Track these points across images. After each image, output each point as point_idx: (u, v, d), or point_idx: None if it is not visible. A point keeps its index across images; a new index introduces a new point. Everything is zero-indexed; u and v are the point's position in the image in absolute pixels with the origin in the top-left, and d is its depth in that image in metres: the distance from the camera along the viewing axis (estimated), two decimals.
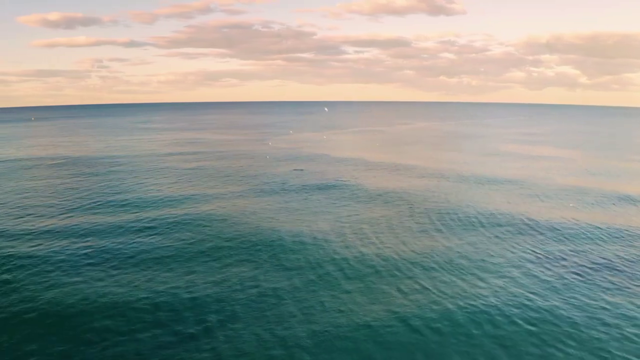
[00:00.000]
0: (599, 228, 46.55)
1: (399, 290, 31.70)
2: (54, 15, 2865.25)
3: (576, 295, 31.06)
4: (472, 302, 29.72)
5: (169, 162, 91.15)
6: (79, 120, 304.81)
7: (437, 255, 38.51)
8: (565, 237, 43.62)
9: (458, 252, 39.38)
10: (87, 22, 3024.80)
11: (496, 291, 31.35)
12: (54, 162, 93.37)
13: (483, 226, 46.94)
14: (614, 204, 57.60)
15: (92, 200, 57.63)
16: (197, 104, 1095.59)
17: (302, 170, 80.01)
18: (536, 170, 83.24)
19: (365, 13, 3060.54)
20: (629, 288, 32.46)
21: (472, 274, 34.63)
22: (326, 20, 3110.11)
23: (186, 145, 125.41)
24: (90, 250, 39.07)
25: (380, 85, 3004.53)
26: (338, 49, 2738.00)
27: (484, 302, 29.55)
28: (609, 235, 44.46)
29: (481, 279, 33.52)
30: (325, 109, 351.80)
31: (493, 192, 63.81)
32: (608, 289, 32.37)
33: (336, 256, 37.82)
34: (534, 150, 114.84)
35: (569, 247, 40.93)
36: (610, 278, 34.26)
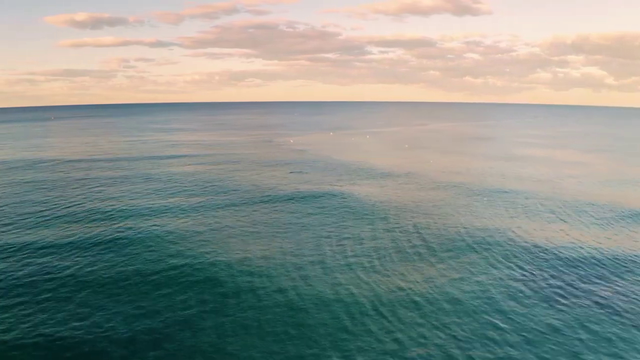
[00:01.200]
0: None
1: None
2: (80, 16, 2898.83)
3: None
4: None
5: (162, 167, 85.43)
6: (97, 120, 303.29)
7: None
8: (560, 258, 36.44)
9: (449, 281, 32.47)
10: (113, 22, 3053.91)
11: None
12: (37, 164, 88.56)
13: (475, 250, 39.85)
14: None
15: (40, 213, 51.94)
16: (222, 103, 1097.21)
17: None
18: (546, 179, 75.73)
19: (390, 13, 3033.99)
20: None
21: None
22: (351, 21, 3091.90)
23: (190, 146, 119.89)
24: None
25: (405, 86, 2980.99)
26: (362, 49, 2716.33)
27: None
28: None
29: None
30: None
31: (488, 206, 56.42)
32: None
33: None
34: (552, 154, 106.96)
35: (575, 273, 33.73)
36: None
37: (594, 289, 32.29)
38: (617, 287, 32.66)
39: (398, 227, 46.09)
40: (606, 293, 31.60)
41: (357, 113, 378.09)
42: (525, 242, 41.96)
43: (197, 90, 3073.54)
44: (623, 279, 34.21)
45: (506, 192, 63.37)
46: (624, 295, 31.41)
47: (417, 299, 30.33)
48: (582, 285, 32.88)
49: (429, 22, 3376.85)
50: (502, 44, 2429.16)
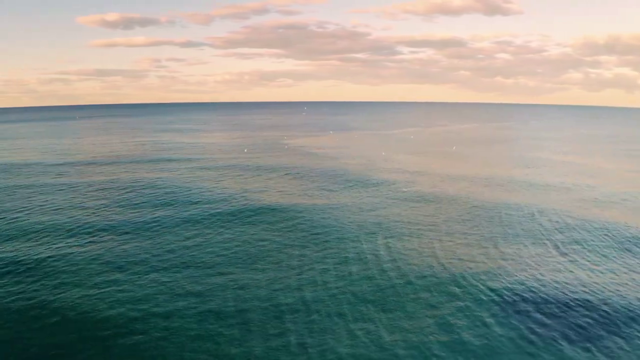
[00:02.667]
0: None
1: None
2: (112, 16, 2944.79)
3: None
4: None
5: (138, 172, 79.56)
6: (120, 119, 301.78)
7: None
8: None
9: None
10: (144, 22, 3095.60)
11: None
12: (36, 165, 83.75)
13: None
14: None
15: None
16: (251, 103, 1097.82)
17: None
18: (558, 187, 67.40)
19: (420, 13, 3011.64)
20: None
21: None
22: (380, 21, 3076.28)
23: (186, 149, 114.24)
24: None
25: (435, 86, 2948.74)
26: (392, 49, 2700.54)
27: None
28: None
29: None
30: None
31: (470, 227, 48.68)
32: None
33: None
34: (573, 159, 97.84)
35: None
36: None
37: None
38: None
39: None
40: None
41: (377, 114, 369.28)
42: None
43: (228, 90, 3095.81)
44: None
45: (510, 205, 55.71)
46: None
47: None
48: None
49: (459, 22, 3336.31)
50: (533, 44, 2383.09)
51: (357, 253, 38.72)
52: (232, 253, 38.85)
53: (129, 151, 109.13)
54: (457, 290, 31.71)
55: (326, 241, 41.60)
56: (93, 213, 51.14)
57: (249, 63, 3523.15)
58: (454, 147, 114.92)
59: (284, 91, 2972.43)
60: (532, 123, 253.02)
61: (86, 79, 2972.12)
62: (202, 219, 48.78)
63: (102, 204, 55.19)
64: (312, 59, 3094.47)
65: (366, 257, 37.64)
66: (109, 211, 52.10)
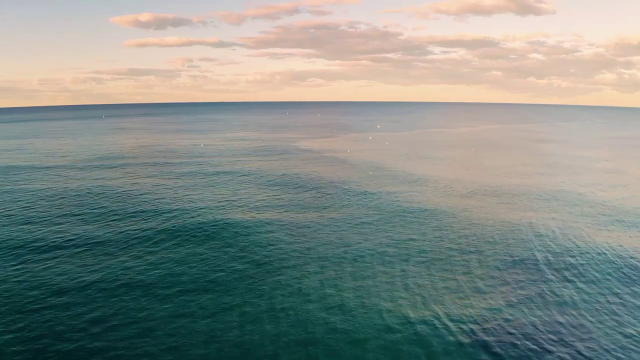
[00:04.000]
0: None
1: None
2: (145, 16, 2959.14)
3: None
4: None
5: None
6: (146, 118, 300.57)
7: None
8: None
9: None
10: (177, 22, 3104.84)
11: None
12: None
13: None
14: None
15: None
16: (284, 103, 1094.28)
17: None
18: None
19: (452, 13, 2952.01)
20: None
21: None
22: (412, 21, 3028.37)
23: (184, 154, 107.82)
24: None
25: (468, 87, 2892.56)
26: (424, 50, 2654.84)
27: None
28: None
29: None
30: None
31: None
32: None
33: None
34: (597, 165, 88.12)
35: None
36: None
37: None
38: None
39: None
40: None
41: (399, 114, 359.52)
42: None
43: (260, 89, 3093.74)
44: None
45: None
46: None
47: None
48: None
49: (491, 22, 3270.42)
50: (566, 44, 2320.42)
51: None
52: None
53: (125, 151, 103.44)
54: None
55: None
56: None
57: (281, 63, 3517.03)
58: (473, 149, 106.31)
59: (315, 91, 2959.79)
60: (560, 124, 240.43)
61: (119, 78, 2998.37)
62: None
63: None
64: (343, 59, 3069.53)
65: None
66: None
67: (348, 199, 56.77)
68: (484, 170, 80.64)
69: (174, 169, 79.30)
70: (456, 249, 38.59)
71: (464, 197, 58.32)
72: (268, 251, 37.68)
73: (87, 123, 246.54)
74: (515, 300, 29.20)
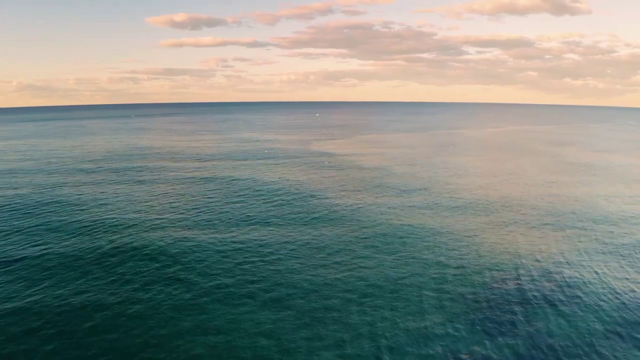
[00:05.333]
0: None
1: None
2: (180, 17, 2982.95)
3: None
4: None
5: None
6: (175, 118, 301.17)
7: None
8: None
9: None
10: (211, 22, 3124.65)
11: None
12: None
13: None
14: None
15: None
16: (318, 103, 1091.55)
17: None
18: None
19: (486, 13, 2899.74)
20: None
21: None
22: (446, 21, 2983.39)
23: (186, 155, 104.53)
24: None
25: (502, 87, 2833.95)
26: (458, 49, 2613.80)
27: None
28: None
29: None
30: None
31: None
32: None
33: None
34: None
35: None
36: None
37: None
38: None
39: None
40: None
41: (423, 115, 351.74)
42: None
43: (294, 89, 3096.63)
44: None
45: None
46: None
47: None
48: None
49: (526, 22, 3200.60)
50: (602, 44, 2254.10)
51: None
52: None
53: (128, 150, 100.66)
54: None
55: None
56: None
57: (315, 63, 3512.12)
58: (489, 153, 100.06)
59: (349, 91, 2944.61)
60: (590, 126, 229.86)
61: (155, 78, 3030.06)
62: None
63: None
64: (377, 59, 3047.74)
65: None
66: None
67: (319, 209, 52.22)
68: (482, 176, 74.98)
69: (146, 175, 76.06)
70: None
71: (444, 211, 53.04)
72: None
73: (106, 122, 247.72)
74: None
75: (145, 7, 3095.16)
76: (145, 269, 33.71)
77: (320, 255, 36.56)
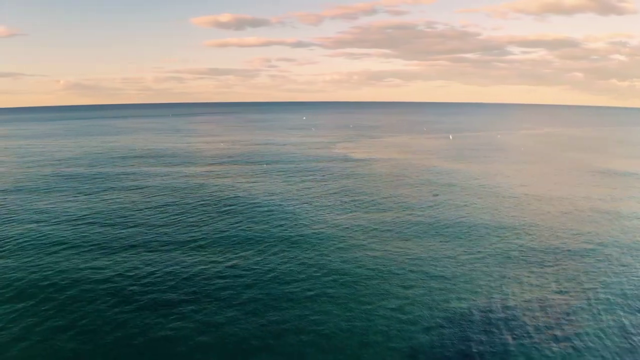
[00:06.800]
0: None
1: None
2: (225, 17, 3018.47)
3: None
4: None
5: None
6: (213, 117, 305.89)
7: None
8: None
9: None
10: (256, 23, 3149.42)
11: None
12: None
13: None
14: None
15: None
16: (361, 103, 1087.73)
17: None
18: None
19: (532, 12, 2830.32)
20: None
21: None
22: (491, 20, 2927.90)
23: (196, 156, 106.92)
24: None
25: (547, 88, 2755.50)
26: (503, 50, 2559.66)
27: None
28: None
29: None
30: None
31: None
32: None
33: None
34: None
35: None
36: None
37: None
38: None
39: None
40: None
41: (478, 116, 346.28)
42: None
43: (337, 89, 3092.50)
44: None
45: None
46: None
47: None
48: None
49: (572, 22, 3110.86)
50: None
51: None
52: None
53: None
54: None
55: None
56: None
57: (358, 63, 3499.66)
58: (513, 156, 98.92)
59: (392, 91, 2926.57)
60: (626, 129, 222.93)
61: (200, 77, 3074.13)
62: None
63: None
64: (420, 59, 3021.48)
65: None
66: None
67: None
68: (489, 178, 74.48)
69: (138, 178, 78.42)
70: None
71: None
72: None
73: (136, 122, 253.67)
74: None
75: (191, 8, 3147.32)
76: None
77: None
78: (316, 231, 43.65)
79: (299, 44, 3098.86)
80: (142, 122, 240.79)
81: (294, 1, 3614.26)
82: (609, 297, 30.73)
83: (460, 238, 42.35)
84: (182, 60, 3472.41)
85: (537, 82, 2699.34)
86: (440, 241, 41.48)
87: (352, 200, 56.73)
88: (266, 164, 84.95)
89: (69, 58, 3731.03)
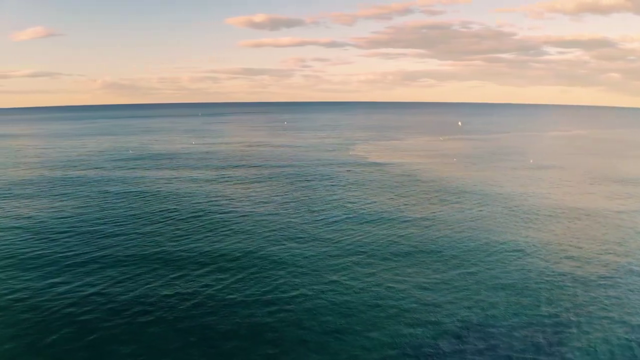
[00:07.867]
0: None
1: None
2: (259, 17, 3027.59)
3: None
4: None
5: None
6: (241, 117, 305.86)
7: None
8: None
9: None
10: (290, 23, 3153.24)
11: None
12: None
13: None
14: None
15: None
16: (395, 103, 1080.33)
17: None
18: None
19: (568, 12, 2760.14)
20: None
21: None
22: (527, 20, 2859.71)
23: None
24: None
25: (583, 89, 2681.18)
26: (539, 50, 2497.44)
27: None
28: None
29: None
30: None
31: None
32: None
33: None
34: None
35: None
36: None
37: None
38: None
39: None
40: None
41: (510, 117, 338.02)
42: None
43: (371, 89, 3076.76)
44: None
45: None
46: None
47: None
48: None
49: (609, 22, 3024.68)
50: None
51: None
52: None
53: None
54: None
55: None
56: None
57: (392, 63, 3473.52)
58: (530, 160, 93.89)
59: (427, 91, 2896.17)
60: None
61: (234, 77, 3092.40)
62: None
63: None
64: (455, 59, 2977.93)
65: None
66: None
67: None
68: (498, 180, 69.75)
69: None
70: None
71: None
72: None
73: (159, 122, 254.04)
74: None
75: (226, 9, 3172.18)
76: None
77: None
78: (306, 249, 40.37)
79: (332, 44, 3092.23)
80: (161, 123, 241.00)
81: (328, 1, 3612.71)
82: None
83: (457, 257, 38.42)
84: (217, 60, 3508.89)
85: (573, 82, 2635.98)
86: (435, 261, 37.65)
87: (354, 210, 53.26)
88: (268, 168, 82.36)
89: (106, 58, 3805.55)
